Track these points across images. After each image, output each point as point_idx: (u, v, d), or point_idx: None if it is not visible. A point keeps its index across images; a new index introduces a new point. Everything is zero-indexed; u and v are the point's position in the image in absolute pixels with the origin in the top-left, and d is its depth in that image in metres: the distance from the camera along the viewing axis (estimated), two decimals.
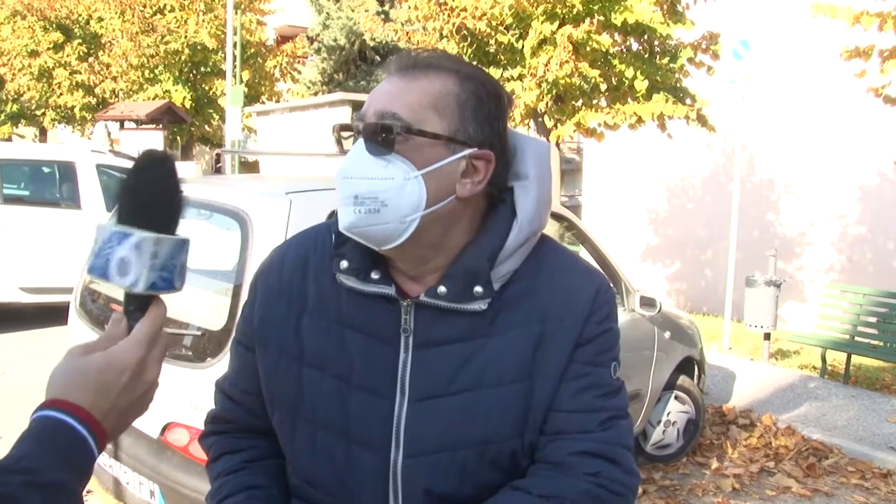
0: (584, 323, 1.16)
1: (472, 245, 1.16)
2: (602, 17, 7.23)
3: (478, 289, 1.13)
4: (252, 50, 18.69)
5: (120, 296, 3.06)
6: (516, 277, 1.17)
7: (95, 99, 19.51)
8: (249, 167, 18.75)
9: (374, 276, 1.16)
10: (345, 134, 1.19)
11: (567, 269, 1.22)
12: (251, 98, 18.09)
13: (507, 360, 1.14)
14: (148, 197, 0.92)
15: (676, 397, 4.88)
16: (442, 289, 1.14)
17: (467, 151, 1.12)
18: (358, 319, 1.17)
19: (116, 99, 18.81)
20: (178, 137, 18.95)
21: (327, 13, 22.05)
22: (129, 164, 0.96)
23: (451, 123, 1.11)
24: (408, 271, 1.18)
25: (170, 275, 0.91)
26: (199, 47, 17.96)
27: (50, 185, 9.00)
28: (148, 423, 2.98)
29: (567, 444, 1.13)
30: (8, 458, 0.81)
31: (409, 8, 8.12)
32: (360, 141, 1.11)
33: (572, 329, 1.16)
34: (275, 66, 19.51)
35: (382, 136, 1.08)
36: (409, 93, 1.11)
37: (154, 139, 15.76)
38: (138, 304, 0.93)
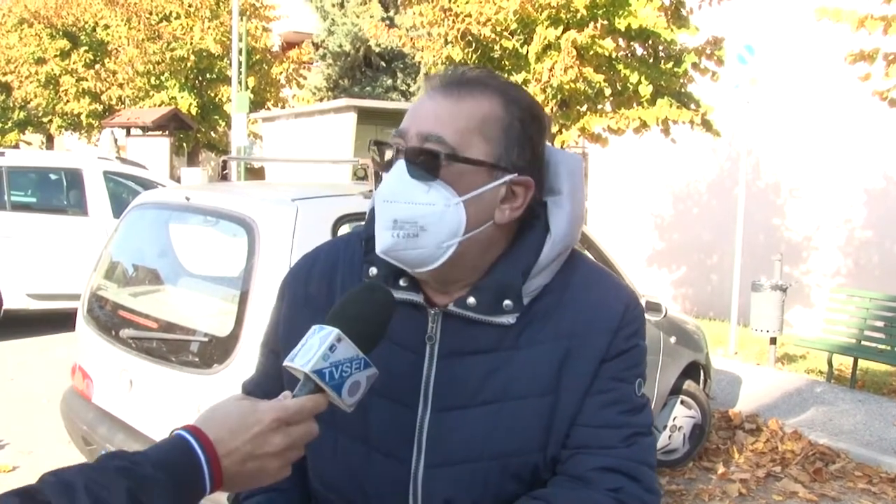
0: (612, 338, 1.15)
1: (505, 259, 1.15)
2: (606, 22, 7.24)
3: (507, 302, 1.12)
4: (257, 56, 18.72)
5: (128, 303, 3.08)
6: (545, 292, 1.16)
7: (102, 106, 19.56)
8: (255, 174, 18.78)
9: (403, 283, 1.16)
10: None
11: (596, 285, 1.21)
12: (257, 104, 18.12)
13: (532, 374, 1.13)
14: (358, 310, 1.04)
15: (682, 402, 4.87)
16: (471, 300, 1.13)
17: (508, 178, 1.12)
18: None
19: (123, 106, 18.86)
20: (184, 144, 18.97)
21: (332, 19, 22.10)
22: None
23: (495, 149, 1.11)
24: (438, 287, 1.17)
25: (340, 379, 0.98)
26: (204, 54, 18.00)
27: (57, 192, 9.04)
28: (155, 429, 2.99)
29: (589, 459, 1.12)
30: (135, 452, 0.90)
31: (414, 14, 8.14)
32: (401, 163, 1.09)
33: (599, 345, 1.14)
34: (280, 73, 19.53)
35: (427, 162, 1.07)
36: (456, 116, 1.10)
37: (160, 146, 15.81)
38: (308, 389, 1.00)
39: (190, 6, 18.20)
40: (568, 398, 1.13)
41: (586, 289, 1.19)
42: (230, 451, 0.94)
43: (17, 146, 22.30)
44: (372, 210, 1.22)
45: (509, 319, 1.13)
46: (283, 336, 1.25)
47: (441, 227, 1.08)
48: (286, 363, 1.01)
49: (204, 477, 0.91)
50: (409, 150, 1.09)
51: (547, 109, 7.65)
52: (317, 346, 0.98)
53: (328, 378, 0.98)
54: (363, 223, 1.27)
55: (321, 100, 20.81)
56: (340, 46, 21.86)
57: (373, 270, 1.18)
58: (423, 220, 1.08)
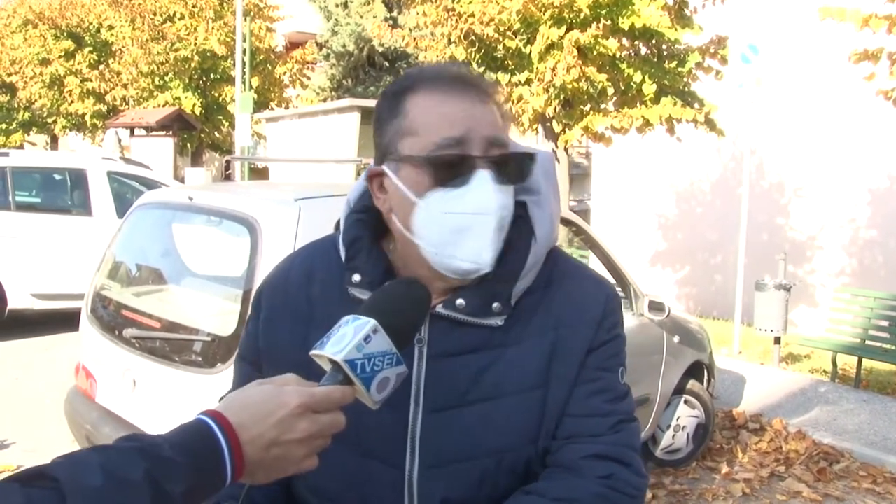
0: (596, 330, 1.18)
1: (498, 267, 1.16)
2: (609, 22, 7.23)
3: (496, 305, 1.15)
4: (261, 56, 18.73)
5: (131, 302, 3.08)
6: (529, 290, 1.19)
7: (106, 106, 19.60)
8: (259, 174, 18.80)
9: None
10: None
11: (578, 278, 1.24)
12: (260, 104, 18.13)
13: (522, 370, 1.14)
14: (394, 304, 1.02)
15: (686, 402, 4.87)
16: (460, 301, 1.14)
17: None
18: None
19: (127, 106, 18.89)
20: (188, 144, 19.00)
21: (336, 19, 22.12)
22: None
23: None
24: (436, 286, 1.17)
25: (371, 373, 0.95)
26: (208, 54, 18.02)
27: (61, 193, 9.06)
28: (159, 429, 2.99)
29: (578, 447, 1.14)
30: (152, 435, 0.88)
31: (418, 14, 8.15)
32: (487, 173, 1.09)
33: (585, 336, 1.17)
34: (284, 73, 19.54)
35: (518, 167, 1.13)
36: (496, 115, 1.14)
37: (164, 146, 15.82)
38: (334, 380, 0.96)
39: (194, 7, 18.22)
40: (557, 390, 1.15)
41: (568, 282, 1.22)
42: (253, 437, 0.90)
43: (21, 147, 22.34)
44: (348, 216, 1.24)
45: (498, 321, 1.15)
46: (264, 347, 1.25)
47: (508, 225, 1.14)
48: (314, 351, 0.98)
49: (225, 463, 0.88)
50: (503, 156, 1.11)
51: (550, 109, 7.65)
52: (351, 335, 0.95)
53: (359, 370, 0.95)
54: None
55: (325, 100, 20.84)
56: (344, 46, 21.88)
57: (356, 277, 1.18)
58: (506, 222, 1.13)
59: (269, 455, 0.91)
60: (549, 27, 7.31)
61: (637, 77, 7.51)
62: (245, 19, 16.58)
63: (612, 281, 3.88)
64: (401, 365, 0.98)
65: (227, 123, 19.11)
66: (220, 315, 3.10)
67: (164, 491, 0.81)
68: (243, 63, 16.35)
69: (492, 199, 1.09)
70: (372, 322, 0.96)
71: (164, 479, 0.82)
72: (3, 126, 22.20)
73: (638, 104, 7.80)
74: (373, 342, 0.95)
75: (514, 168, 1.11)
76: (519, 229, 1.18)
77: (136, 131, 16.59)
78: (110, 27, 19.58)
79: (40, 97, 20.36)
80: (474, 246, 1.11)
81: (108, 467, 0.79)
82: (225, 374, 2.79)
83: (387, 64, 22.18)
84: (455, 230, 1.10)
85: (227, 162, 22.04)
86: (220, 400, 0.97)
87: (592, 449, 1.13)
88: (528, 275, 1.17)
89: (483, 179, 1.09)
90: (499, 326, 1.15)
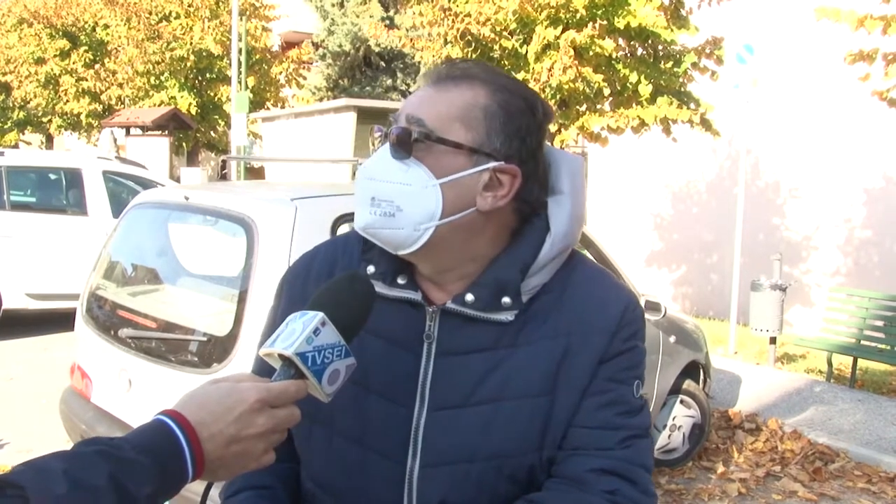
0: (611, 339, 1.15)
1: (505, 255, 1.15)
2: (605, 22, 7.24)
3: (506, 300, 1.12)
4: (257, 56, 18.71)
5: (126, 302, 3.09)
6: (545, 290, 1.16)
7: (101, 106, 19.57)
8: (255, 173, 18.77)
9: (401, 280, 1.16)
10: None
11: (596, 284, 1.21)
12: (256, 104, 18.10)
13: (530, 373, 1.12)
14: (340, 297, 1.04)
15: (682, 402, 4.87)
16: (469, 297, 1.13)
17: (491, 164, 1.11)
18: (380, 325, 1.14)
19: (122, 105, 18.86)
20: (184, 144, 18.96)
21: (332, 19, 22.09)
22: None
23: (476, 135, 1.10)
24: (432, 277, 1.17)
25: (322, 365, 0.97)
26: (204, 54, 18.00)
27: (56, 192, 9.04)
28: None
29: (585, 460, 1.11)
30: (113, 438, 0.88)
31: (414, 14, 8.15)
32: (387, 144, 1.11)
33: (598, 344, 1.14)
34: (280, 72, 19.52)
35: (403, 141, 1.09)
36: (438, 102, 1.12)
37: (160, 146, 15.80)
38: (286, 375, 0.98)
39: (190, 6, 18.20)
40: (565, 398, 1.12)
41: (586, 288, 1.19)
42: (213, 434, 0.90)
43: (16, 146, 22.30)
44: None
45: (508, 317, 1.12)
46: None
47: (417, 208, 1.08)
48: (263, 350, 0.99)
49: (186, 462, 0.88)
50: (392, 130, 1.11)
51: None
52: (300, 330, 0.96)
53: (310, 363, 0.96)
54: None
55: (321, 99, 20.79)
56: (340, 46, 21.85)
57: (370, 269, 1.18)
58: (400, 200, 1.09)
59: (228, 451, 0.92)
60: (546, 27, 7.31)
61: (633, 77, 7.52)
62: (241, 19, 16.56)
63: None
64: (350, 357, 1.00)
65: (222, 123, 19.10)
66: (216, 315, 3.10)
67: (129, 493, 0.82)
68: (239, 62, 16.33)
69: (367, 164, 1.14)
70: (320, 315, 0.98)
71: (129, 480, 0.82)
72: None
73: (634, 104, 7.80)
74: (322, 335, 0.97)
75: (400, 141, 1.09)
76: (533, 224, 1.17)
77: (132, 131, 16.57)
78: (106, 26, 19.55)
79: (35, 96, 20.32)
80: (357, 210, 1.14)
81: (72, 473, 0.79)
82: (221, 374, 2.78)
83: (383, 64, 22.16)
84: (356, 193, 1.15)
85: (223, 161, 22.01)
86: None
87: (599, 462, 1.11)
88: (542, 272, 1.15)
89: (382, 149, 1.13)
90: (510, 326, 1.13)
